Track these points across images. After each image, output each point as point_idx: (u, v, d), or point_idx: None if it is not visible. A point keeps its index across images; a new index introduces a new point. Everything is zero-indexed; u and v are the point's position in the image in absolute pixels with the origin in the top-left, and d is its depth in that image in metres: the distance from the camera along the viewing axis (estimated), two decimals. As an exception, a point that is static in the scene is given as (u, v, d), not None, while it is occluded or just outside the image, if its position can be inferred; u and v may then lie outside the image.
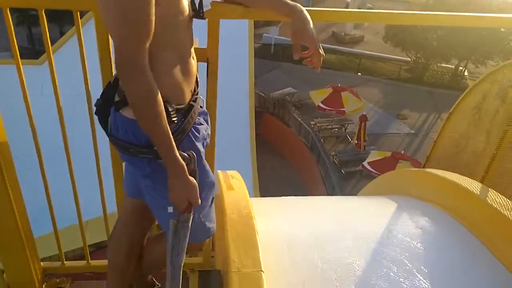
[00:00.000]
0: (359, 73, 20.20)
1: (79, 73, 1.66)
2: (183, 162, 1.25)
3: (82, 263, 1.95)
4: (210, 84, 1.70)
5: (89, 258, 1.95)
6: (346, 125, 15.82)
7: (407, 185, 2.69)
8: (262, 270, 1.78)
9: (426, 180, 2.50)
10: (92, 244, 1.98)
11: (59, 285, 1.90)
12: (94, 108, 1.42)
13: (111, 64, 1.58)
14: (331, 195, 12.61)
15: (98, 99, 1.41)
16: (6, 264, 1.75)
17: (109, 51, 1.56)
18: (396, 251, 1.87)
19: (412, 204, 2.43)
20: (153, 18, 1.10)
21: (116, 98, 1.32)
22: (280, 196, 2.43)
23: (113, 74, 1.48)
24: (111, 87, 1.36)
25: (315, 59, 1.44)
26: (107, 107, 1.36)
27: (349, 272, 1.98)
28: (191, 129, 1.37)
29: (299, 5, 1.45)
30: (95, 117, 1.42)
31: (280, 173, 14.03)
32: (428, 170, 2.53)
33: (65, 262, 1.94)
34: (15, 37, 1.52)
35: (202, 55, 1.62)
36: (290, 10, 1.43)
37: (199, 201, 1.32)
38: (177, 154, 1.23)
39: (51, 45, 1.61)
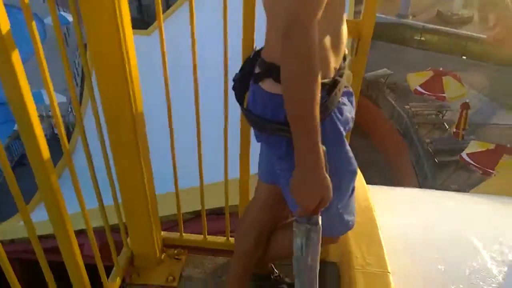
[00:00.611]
0: (463, 57, 18.46)
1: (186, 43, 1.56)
2: (323, 157, 1.07)
3: (199, 237, 1.96)
4: (357, 62, 1.54)
5: (206, 233, 1.95)
6: (444, 111, 14.71)
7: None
8: (389, 271, 1.65)
9: None
10: (208, 209, 1.95)
11: (176, 256, 1.93)
12: (232, 83, 1.36)
13: (253, 39, 1.49)
14: (423, 184, 11.94)
15: (236, 74, 1.35)
16: (132, 230, 1.79)
17: (253, 25, 1.46)
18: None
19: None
20: None
21: (257, 70, 1.25)
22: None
23: (253, 49, 1.40)
24: (250, 61, 1.30)
25: None
26: (245, 81, 1.29)
27: (480, 277, 1.80)
28: (334, 110, 1.22)
29: None
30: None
31: (363, 156, 13.45)
32: None
33: (183, 234, 1.97)
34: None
35: (354, 30, 1.43)
36: None
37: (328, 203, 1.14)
38: (321, 146, 1.06)
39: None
